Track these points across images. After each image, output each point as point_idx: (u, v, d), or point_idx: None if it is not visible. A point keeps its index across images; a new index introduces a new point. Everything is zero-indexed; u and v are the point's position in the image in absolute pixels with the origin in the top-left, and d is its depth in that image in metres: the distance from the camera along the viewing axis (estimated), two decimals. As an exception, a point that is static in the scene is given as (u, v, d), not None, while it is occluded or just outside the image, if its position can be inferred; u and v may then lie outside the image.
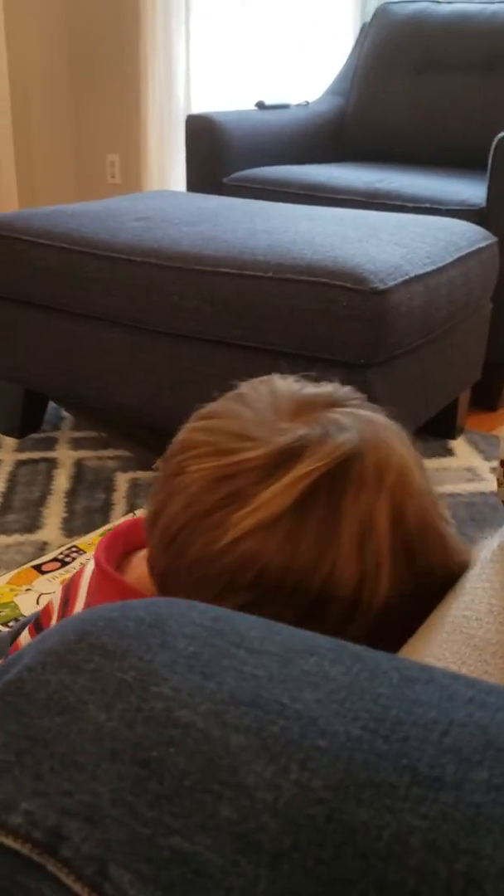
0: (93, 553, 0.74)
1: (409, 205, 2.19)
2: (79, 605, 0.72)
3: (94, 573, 0.68)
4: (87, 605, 0.69)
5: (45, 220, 1.70)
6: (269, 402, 0.57)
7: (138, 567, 0.66)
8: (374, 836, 0.26)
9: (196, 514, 0.53)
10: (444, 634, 0.56)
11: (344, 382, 1.38)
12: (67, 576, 1.36)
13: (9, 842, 0.30)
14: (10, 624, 1.24)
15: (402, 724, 0.29)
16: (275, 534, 0.51)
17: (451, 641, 0.55)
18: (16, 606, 1.28)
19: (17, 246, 1.67)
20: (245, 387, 0.60)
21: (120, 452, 1.82)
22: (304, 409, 0.56)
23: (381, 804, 0.26)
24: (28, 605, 1.28)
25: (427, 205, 2.18)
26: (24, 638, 0.84)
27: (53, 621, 0.78)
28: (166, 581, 0.56)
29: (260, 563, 0.51)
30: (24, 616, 1.26)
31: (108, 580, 0.65)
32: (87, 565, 0.75)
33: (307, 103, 2.90)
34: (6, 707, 0.33)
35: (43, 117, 3.82)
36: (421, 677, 0.32)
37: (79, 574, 0.76)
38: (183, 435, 0.57)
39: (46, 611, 0.80)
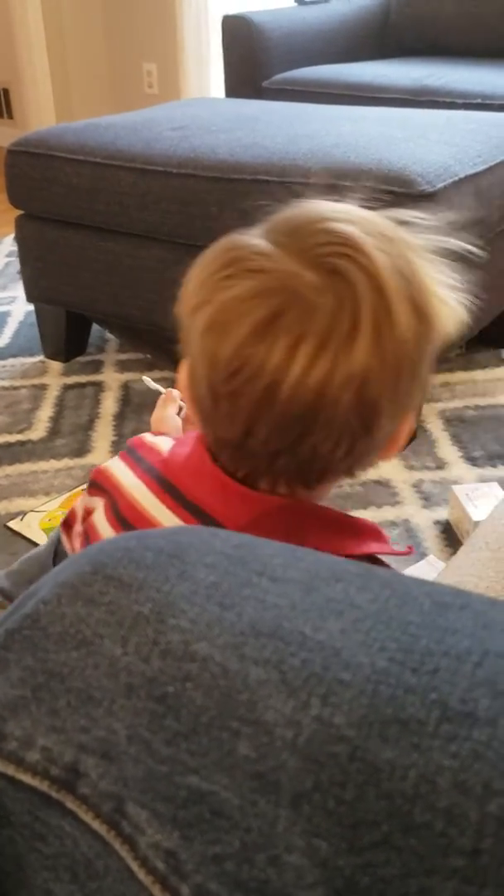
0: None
1: (460, 101, 2.08)
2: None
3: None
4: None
5: (79, 135, 1.65)
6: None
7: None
8: (400, 775, 0.24)
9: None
10: (489, 553, 0.54)
11: None
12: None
13: (27, 778, 0.29)
14: (62, 546, 1.25)
15: (433, 655, 0.27)
16: None
17: (497, 560, 0.53)
18: (67, 529, 1.29)
19: (52, 163, 1.63)
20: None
21: (166, 374, 1.80)
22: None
23: (407, 742, 0.25)
24: (78, 528, 1.29)
25: (478, 100, 2.06)
26: None
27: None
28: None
29: None
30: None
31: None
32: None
33: (350, -4, 2.75)
34: (23, 641, 0.32)
35: (76, 29, 3.70)
36: (455, 603, 0.30)
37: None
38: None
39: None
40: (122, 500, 0.69)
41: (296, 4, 2.66)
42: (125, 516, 0.68)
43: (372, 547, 0.64)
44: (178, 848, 0.25)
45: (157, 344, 1.86)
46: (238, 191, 1.42)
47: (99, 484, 0.73)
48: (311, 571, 0.32)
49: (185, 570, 0.32)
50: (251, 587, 0.31)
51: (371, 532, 0.66)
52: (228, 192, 1.43)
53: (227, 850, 0.25)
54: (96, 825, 0.27)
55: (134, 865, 0.26)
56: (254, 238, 0.59)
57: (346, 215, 0.60)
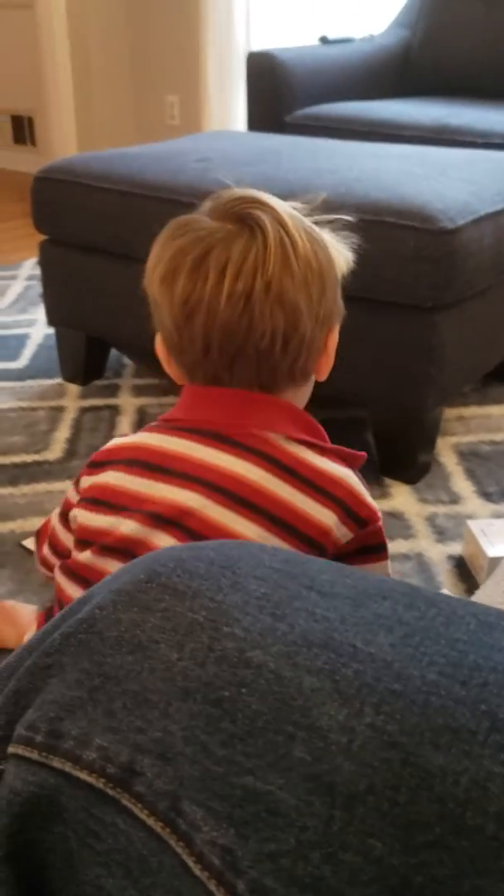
0: None
1: (479, 140, 2.11)
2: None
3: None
4: None
5: (105, 164, 1.68)
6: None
7: None
8: (452, 781, 0.25)
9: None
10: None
11: (411, 326, 1.42)
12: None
13: (84, 776, 0.30)
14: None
15: (481, 670, 0.28)
16: None
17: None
18: (82, 549, 1.30)
19: (78, 190, 1.66)
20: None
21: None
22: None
23: (458, 749, 0.26)
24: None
25: (498, 140, 2.09)
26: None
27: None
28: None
29: None
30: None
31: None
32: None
33: (372, 36, 2.81)
34: (79, 645, 0.33)
35: (101, 60, 3.77)
36: (499, 624, 0.31)
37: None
38: None
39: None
40: (140, 451, 0.80)
41: (319, 42, 2.72)
42: (150, 461, 0.79)
43: (328, 443, 0.81)
44: (234, 845, 0.26)
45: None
46: (261, 222, 1.45)
47: (106, 460, 0.82)
48: (359, 588, 0.33)
49: (237, 581, 0.33)
50: (301, 600, 0.32)
51: (323, 435, 0.82)
52: (252, 224, 1.46)
53: (283, 848, 0.26)
54: (151, 822, 0.28)
55: (189, 861, 0.27)
56: (190, 216, 0.80)
57: (251, 190, 0.81)
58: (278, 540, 0.75)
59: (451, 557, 1.30)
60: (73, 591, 0.82)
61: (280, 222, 0.76)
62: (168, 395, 1.83)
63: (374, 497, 1.45)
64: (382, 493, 1.47)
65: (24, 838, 0.32)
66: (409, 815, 0.25)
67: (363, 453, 0.84)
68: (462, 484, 1.49)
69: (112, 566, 0.78)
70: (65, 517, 0.90)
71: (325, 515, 0.77)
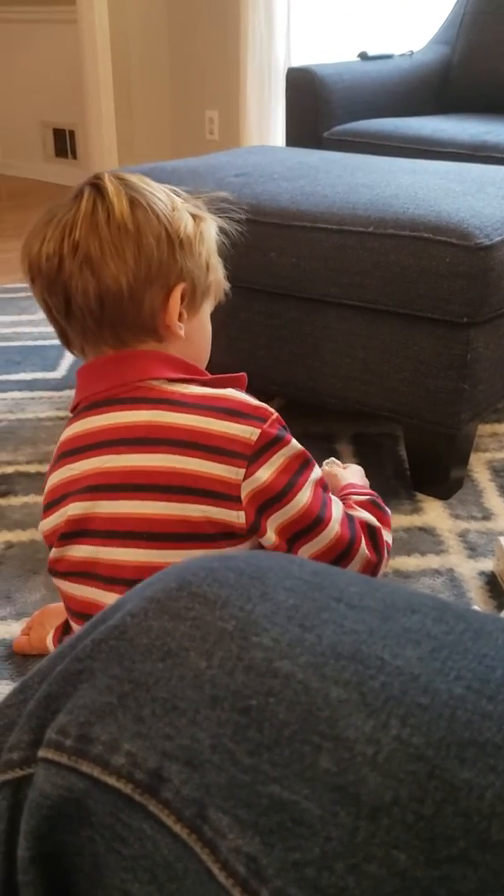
0: None
1: (518, 157, 2.11)
2: None
3: None
4: None
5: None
6: None
7: None
8: (477, 795, 0.25)
9: None
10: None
11: (446, 341, 1.41)
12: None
13: (112, 781, 0.31)
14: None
15: (508, 686, 0.28)
16: None
17: None
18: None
19: (118, 204, 1.68)
20: None
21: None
22: None
23: (484, 764, 0.26)
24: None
25: (536, 157, 2.08)
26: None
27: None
28: None
29: None
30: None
31: None
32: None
33: (411, 53, 2.81)
34: (109, 651, 0.34)
35: (142, 75, 3.82)
36: (527, 639, 0.31)
37: None
38: None
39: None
40: (60, 446, 0.91)
41: (359, 59, 2.73)
42: (67, 450, 0.90)
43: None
44: (259, 853, 0.27)
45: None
46: (297, 237, 1.46)
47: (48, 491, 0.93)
48: (387, 601, 0.34)
49: (266, 592, 0.33)
50: (330, 612, 0.33)
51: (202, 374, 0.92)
52: (288, 239, 1.47)
53: (308, 857, 0.26)
54: (178, 829, 0.29)
55: (214, 868, 0.27)
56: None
57: (116, 171, 0.94)
58: (193, 459, 0.82)
59: (482, 574, 1.29)
60: (63, 585, 0.90)
61: (101, 190, 0.86)
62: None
63: (406, 512, 1.45)
64: (415, 509, 1.46)
65: (52, 841, 0.33)
66: (434, 828, 0.25)
67: (243, 374, 0.92)
68: (495, 500, 1.48)
69: (75, 549, 0.86)
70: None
71: (221, 426, 0.83)
